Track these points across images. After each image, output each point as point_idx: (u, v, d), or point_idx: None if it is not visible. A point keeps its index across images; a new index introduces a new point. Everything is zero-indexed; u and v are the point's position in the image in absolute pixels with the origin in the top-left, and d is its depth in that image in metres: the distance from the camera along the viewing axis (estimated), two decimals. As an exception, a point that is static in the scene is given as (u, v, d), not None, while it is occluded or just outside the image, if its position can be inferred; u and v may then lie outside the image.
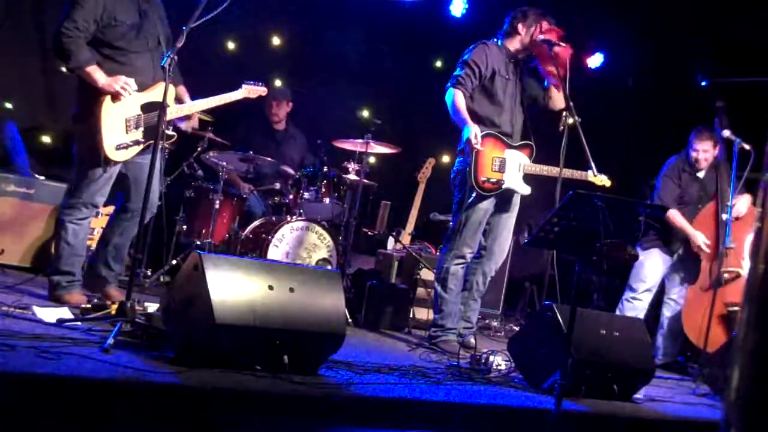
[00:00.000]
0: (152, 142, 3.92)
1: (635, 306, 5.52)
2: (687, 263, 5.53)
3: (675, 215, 5.44)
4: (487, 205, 4.60)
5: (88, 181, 3.96)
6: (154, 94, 4.02)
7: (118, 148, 3.93)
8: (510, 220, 4.73)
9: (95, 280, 4.19)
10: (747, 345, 1.20)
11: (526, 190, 4.66)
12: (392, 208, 6.66)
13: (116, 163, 3.97)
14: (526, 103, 4.74)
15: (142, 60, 4.03)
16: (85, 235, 4.09)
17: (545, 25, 4.64)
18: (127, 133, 3.95)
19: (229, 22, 6.11)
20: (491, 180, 4.51)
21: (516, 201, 4.73)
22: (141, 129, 4.01)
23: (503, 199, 4.66)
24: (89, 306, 3.61)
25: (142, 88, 3.99)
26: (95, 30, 3.90)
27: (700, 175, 5.57)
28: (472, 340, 4.57)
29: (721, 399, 3.93)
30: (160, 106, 3.69)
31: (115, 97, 3.88)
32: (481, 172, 4.49)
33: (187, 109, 4.23)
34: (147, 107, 4.01)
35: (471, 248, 4.63)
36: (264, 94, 4.60)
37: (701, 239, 5.34)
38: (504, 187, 4.55)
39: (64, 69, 5.49)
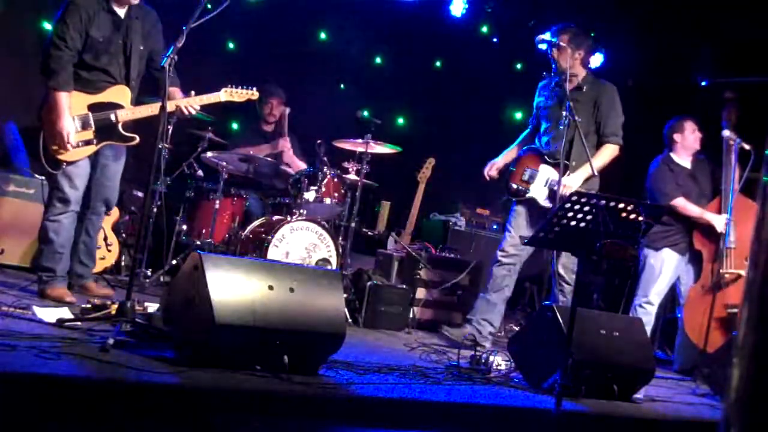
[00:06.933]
0: (109, 142, 4.15)
1: (648, 311, 5.37)
2: (695, 264, 5.41)
3: (685, 204, 5.33)
4: (520, 209, 5.01)
5: (54, 179, 4.09)
6: (105, 95, 4.13)
7: None
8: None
9: (72, 278, 4.32)
10: (747, 345, 1.20)
11: (546, 203, 4.89)
12: (392, 208, 6.66)
13: (68, 162, 4.04)
14: (584, 129, 4.77)
15: (98, 75, 4.11)
16: (66, 232, 4.16)
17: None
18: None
19: (229, 23, 6.11)
20: (520, 188, 5.02)
21: None
22: (91, 129, 4.09)
23: (537, 209, 4.94)
24: (89, 306, 3.61)
25: (92, 93, 4.09)
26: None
27: (686, 165, 5.51)
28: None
29: (721, 399, 3.94)
30: (110, 107, 4.08)
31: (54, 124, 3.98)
32: (513, 179, 5.06)
33: (147, 110, 4.18)
34: (95, 107, 4.09)
35: (505, 250, 5.02)
36: (254, 98, 4.55)
37: (722, 220, 5.19)
38: (528, 195, 4.96)
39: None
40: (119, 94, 4.16)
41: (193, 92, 4.28)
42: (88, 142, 4.08)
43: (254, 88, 4.51)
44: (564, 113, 4.70)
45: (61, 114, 3.95)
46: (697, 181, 5.48)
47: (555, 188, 4.76)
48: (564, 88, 4.78)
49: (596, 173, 4.70)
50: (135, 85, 4.24)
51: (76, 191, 4.10)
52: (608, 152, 4.92)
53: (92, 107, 4.08)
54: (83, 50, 4.03)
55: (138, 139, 4.24)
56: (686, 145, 5.50)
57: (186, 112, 4.25)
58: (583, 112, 4.86)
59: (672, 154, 5.54)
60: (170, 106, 4.12)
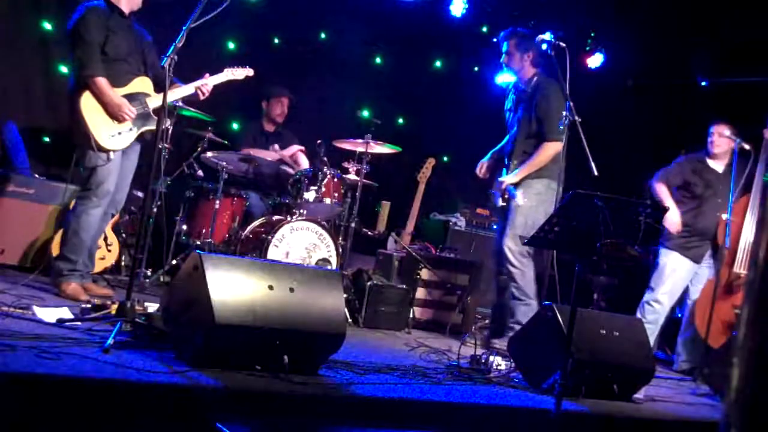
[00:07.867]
0: (146, 128, 4.35)
1: (655, 309, 5.33)
2: (715, 263, 5.32)
3: (660, 189, 5.44)
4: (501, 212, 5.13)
5: (93, 171, 4.18)
6: (132, 86, 4.32)
7: (112, 136, 4.20)
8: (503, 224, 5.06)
9: None
10: (746, 345, 1.20)
11: (501, 203, 5.05)
12: (392, 208, 6.66)
13: (114, 151, 4.21)
14: (525, 128, 5.02)
15: (121, 66, 4.29)
16: (96, 225, 4.28)
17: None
18: (113, 121, 4.21)
19: (229, 23, 6.10)
20: (492, 191, 5.18)
21: (511, 214, 4.97)
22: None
23: (499, 209, 5.15)
24: (89, 306, 3.62)
25: (120, 86, 4.26)
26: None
27: (717, 168, 5.42)
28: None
29: (721, 399, 3.94)
30: (139, 96, 4.30)
31: (106, 106, 4.16)
32: (493, 182, 5.24)
33: (173, 95, 4.39)
34: (128, 98, 4.27)
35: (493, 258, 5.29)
36: (251, 74, 4.94)
37: (674, 218, 5.29)
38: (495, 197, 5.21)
39: (64, 69, 5.54)
40: (143, 84, 4.37)
41: (207, 74, 4.60)
42: (129, 129, 4.28)
43: (247, 66, 4.95)
44: (511, 115, 5.07)
45: (108, 93, 4.15)
46: (716, 185, 5.38)
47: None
48: (512, 92, 5.13)
49: (534, 171, 4.84)
50: (151, 78, 4.43)
51: (109, 185, 4.24)
52: (545, 150, 4.86)
53: (125, 98, 4.25)
54: (104, 44, 4.20)
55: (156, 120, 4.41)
56: (709, 148, 5.48)
57: (203, 94, 4.56)
58: (525, 111, 5.02)
59: (706, 157, 5.48)
60: (190, 89, 4.48)
